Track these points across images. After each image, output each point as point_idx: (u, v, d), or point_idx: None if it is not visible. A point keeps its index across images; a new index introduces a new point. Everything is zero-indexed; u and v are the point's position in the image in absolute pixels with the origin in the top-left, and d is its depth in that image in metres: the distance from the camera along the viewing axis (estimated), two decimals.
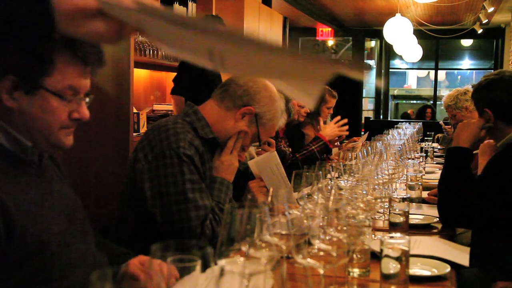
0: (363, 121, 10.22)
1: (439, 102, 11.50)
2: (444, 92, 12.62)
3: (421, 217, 2.27)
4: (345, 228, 1.22)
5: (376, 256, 1.41)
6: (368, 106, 13.43)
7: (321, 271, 1.20)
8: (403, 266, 1.31)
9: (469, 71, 15.25)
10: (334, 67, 0.74)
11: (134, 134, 4.10)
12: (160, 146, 1.90)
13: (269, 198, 1.32)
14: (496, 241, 2.06)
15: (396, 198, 1.84)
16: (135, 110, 4.25)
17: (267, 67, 0.82)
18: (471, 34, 10.78)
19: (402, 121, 7.44)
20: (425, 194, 2.63)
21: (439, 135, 6.18)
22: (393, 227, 1.78)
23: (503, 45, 11.68)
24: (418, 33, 9.23)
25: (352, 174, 2.12)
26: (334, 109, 4.70)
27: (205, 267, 0.87)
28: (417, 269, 1.56)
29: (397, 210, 1.79)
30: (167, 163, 1.87)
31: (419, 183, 2.54)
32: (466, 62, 14.89)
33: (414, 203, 2.46)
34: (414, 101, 15.85)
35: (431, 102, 13.22)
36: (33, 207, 1.29)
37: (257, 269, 1.08)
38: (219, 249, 1.07)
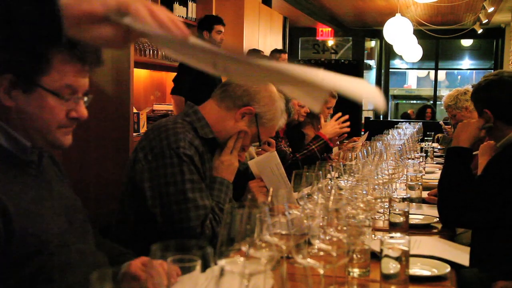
0: (363, 121, 10.23)
1: (439, 102, 11.50)
2: (444, 92, 12.62)
3: (421, 217, 2.27)
4: (345, 228, 1.22)
5: (376, 256, 1.41)
6: (368, 106, 13.43)
7: (321, 271, 1.20)
8: (403, 266, 1.31)
9: (469, 71, 15.26)
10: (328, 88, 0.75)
11: (134, 134, 4.10)
12: (160, 146, 1.90)
13: (269, 198, 1.32)
14: (496, 241, 2.06)
15: (396, 198, 1.83)
16: (135, 110, 4.25)
17: (270, 78, 0.83)
18: (471, 34, 10.79)
19: (402, 121, 7.44)
20: (425, 194, 2.63)
21: (439, 135, 6.18)
22: (393, 227, 1.78)
23: (503, 45, 11.69)
24: (418, 33, 9.23)
25: (352, 174, 2.12)
26: (334, 109, 4.70)
27: (205, 267, 0.87)
28: (417, 269, 1.56)
29: (397, 210, 1.79)
30: (167, 163, 1.87)
31: (419, 183, 2.54)
32: (466, 62, 14.89)
33: (414, 203, 2.46)
34: (414, 101, 15.85)
35: (431, 102, 13.23)
36: (33, 207, 1.29)
37: (257, 269, 1.08)
38: (219, 249, 1.07)
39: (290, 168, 2.58)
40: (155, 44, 1.01)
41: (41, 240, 1.28)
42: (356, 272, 1.45)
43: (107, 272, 0.72)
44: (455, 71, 15.53)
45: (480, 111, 2.31)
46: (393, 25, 7.27)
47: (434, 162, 4.39)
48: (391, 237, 1.37)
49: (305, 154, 3.30)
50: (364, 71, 12.58)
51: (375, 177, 2.07)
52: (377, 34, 11.93)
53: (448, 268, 1.54)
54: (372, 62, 13.57)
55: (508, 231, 2.01)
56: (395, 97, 15.37)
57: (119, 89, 3.96)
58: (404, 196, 2.20)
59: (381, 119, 12.75)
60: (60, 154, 3.87)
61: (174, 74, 4.99)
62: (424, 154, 4.11)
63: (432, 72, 13.58)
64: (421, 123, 6.57)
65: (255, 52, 6.57)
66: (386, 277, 1.32)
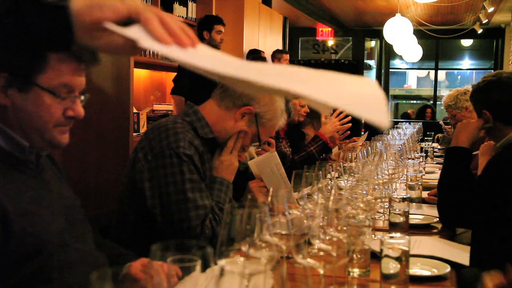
0: (363, 121, 10.22)
1: (439, 102, 11.50)
2: (444, 92, 12.62)
3: (421, 217, 2.27)
4: (345, 228, 1.22)
5: (376, 256, 1.41)
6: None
7: (321, 271, 1.20)
8: (403, 266, 1.31)
9: (469, 71, 15.25)
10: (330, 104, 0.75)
11: (134, 134, 4.10)
12: (159, 146, 1.90)
13: (269, 198, 1.32)
14: (496, 241, 2.06)
15: (396, 198, 1.83)
16: (135, 110, 4.25)
17: (274, 91, 0.83)
18: (471, 34, 10.79)
19: (402, 121, 7.44)
20: (425, 194, 2.63)
21: (439, 135, 6.18)
22: (393, 227, 1.78)
23: (503, 45, 11.69)
24: (418, 33, 9.23)
25: (352, 174, 2.12)
26: (334, 109, 4.70)
27: (205, 267, 0.87)
28: (417, 269, 1.56)
29: (397, 210, 1.79)
30: (166, 162, 1.87)
31: (419, 183, 2.54)
32: (466, 62, 14.89)
33: (414, 203, 2.46)
34: (414, 101, 15.85)
35: (431, 102, 13.23)
36: (31, 207, 1.29)
37: (257, 269, 1.08)
38: (219, 249, 1.07)
39: (289, 170, 2.58)
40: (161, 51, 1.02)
41: (40, 240, 1.28)
42: (356, 272, 1.45)
43: (107, 272, 0.72)
44: (455, 71, 15.53)
45: (479, 112, 2.31)
46: (393, 25, 7.27)
47: (434, 162, 4.39)
48: (391, 237, 1.37)
49: (303, 156, 3.29)
50: (364, 71, 12.58)
51: (375, 177, 2.07)
52: (377, 34, 11.93)
53: (448, 268, 1.54)
54: (372, 62, 13.57)
55: (508, 231, 2.01)
56: (395, 97, 15.37)
57: (119, 89, 3.97)
58: (404, 196, 2.20)
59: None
60: (60, 154, 3.87)
61: (174, 74, 4.99)
62: (424, 154, 4.11)
63: (432, 72, 13.58)
64: (421, 123, 6.57)
65: (255, 52, 6.57)
66: (386, 277, 1.32)
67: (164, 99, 5.40)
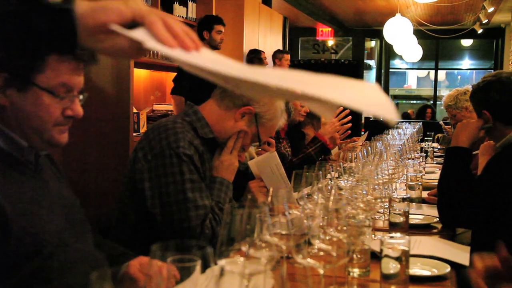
0: (363, 121, 10.22)
1: (439, 102, 11.51)
2: (444, 92, 12.62)
3: (421, 217, 2.27)
4: (345, 228, 1.22)
5: (376, 256, 1.41)
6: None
7: (321, 271, 1.20)
8: (403, 266, 1.31)
9: (469, 71, 15.26)
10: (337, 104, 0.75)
11: (134, 134, 4.10)
12: (159, 146, 1.90)
13: (269, 198, 1.32)
14: (496, 241, 2.05)
15: (396, 198, 1.83)
16: (135, 110, 4.25)
17: (280, 94, 0.83)
18: (471, 34, 10.79)
19: (402, 121, 7.44)
20: (425, 194, 2.63)
21: (439, 135, 6.18)
22: (393, 227, 1.78)
23: (503, 45, 11.69)
24: (418, 33, 9.23)
25: (352, 174, 2.12)
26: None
27: (205, 267, 0.87)
28: (417, 269, 1.56)
29: (397, 210, 1.78)
30: (166, 162, 1.87)
31: (419, 183, 2.54)
32: (466, 62, 14.89)
33: (414, 203, 2.46)
34: (414, 101, 15.85)
35: (431, 102, 13.23)
36: (30, 207, 1.29)
37: (257, 269, 1.08)
38: (219, 249, 1.07)
39: (288, 171, 2.58)
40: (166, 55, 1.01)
41: (39, 240, 1.28)
42: (356, 272, 1.45)
43: (107, 272, 0.72)
44: (455, 71, 15.54)
45: (479, 112, 2.31)
46: (393, 25, 7.27)
47: (434, 162, 4.39)
48: (391, 237, 1.37)
49: (301, 157, 3.28)
50: (364, 71, 12.58)
51: (375, 177, 2.07)
52: (377, 34, 11.93)
53: (448, 268, 1.54)
54: (372, 62, 13.57)
55: (508, 231, 2.01)
56: (395, 97, 15.37)
57: (119, 89, 3.97)
58: (404, 196, 2.20)
59: (381, 119, 12.74)
60: (60, 154, 3.87)
61: (174, 74, 4.99)
62: (424, 154, 4.11)
63: (432, 72, 13.59)
64: (421, 123, 6.57)
65: (256, 52, 6.57)
66: (386, 277, 1.32)
67: (164, 99, 5.39)
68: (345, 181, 2.05)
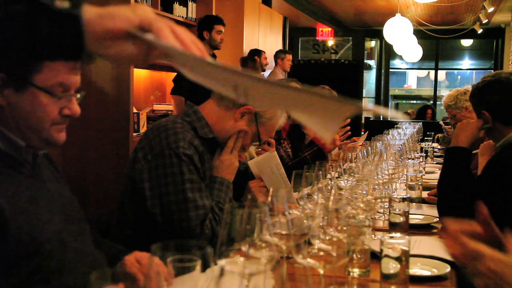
0: (363, 121, 10.22)
1: (439, 102, 11.51)
2: (444, 92, 12.62)
3: (421, 217, 2.27)
4: (345, 228, 1.22)
5: (376, 256, 1.41)
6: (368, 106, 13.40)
7: (321, 271, 1.20)
8: (403, 266, 1.31)
9: (469, 71, 15.25)
10: (354, 107, 0.75)
11: (134, 134, 4.10)
12: (159, 146, 1.90)
13: (269, 198, 1.32)
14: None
15: (396, 198, 1.83)
16: (135, 110, 4.25)
17: (288, 102, 0.84)
18: (471, 34, 10.79)
19: (402, 121, 7.44)
20: (425, 194, 2.63)
21: (439, 135, 6.17)
22: (393, 227, 1.78)
23: (503, 45, 11.69)
24: (418, 33, 9.23)
25: (352, 174, 2.12)
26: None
27: (205, 267, 0.87)
28: (417, 269, 1.56)
29: (397, 210, 1.78)
30: (166, 163, 1.87)
31: (419, 183, 2.54)
32: (466, 62, 14.89)
33: (414, 203, 2.46)
34: (414, 101, 15.85)
35: (431, 102, 13.22)
36: (28, 207, 1.29)
37: (257, 269, 1.08)
38: (219, 249, 1.07)
39: (288, 171, 2.58)
40: (175, 64, 1.00)
41: (37, 240, 1.28)
42: (356, 272, 1.45)
43: (107, 272, 0.72)
44: (455, 71, 15.53)
45: (479, 113, 2.31)
46: (393, 25, 7.27)
47: (434, 162, 4.38)
48: (391, 237, 1.37)
49: (297, 161, 3.27)
50: (364, 71, 12.58)
51: (375, 177, 2.07)
52: (377, 34, 11.93)
53: (448, 268, 1.54)
54: (372, 62, 13.57)
55: (508, 231, 2.01)
56: (395, 97, 15.36)
57: (119, 89, 3.96)
58: (404, 196, 2.20)
59: (381, 119, 12.76)
60: (60, 154, 3.87)
61: (174, 74, 4.99)
62: (424, 154, 4.11)
63: (432, 72, 13.58)
64: (421, 123, 6.56)
65: (256, 52, 6.57)
66: (386, 277, 1.32)
67: (164, 99, 5.39)
68: (345, 181, 2.05)
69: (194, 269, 0.83)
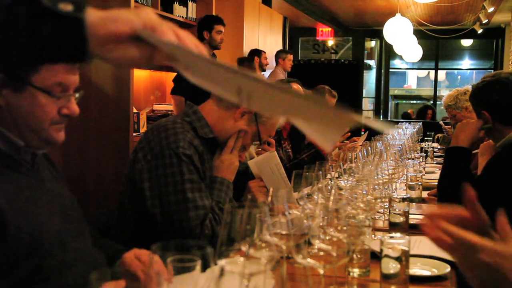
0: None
1: (439, 102, 11.50)
2: (444, 92, 12.62)
3: (421, 217, 2.26)
4: (345, 228, 1.22)
5: (376, 256, 1.41)
6: (368, 106, 13.43)
7: (321, 271, 1.20)
8: (403, 266, 1.31)
9: (469, 71, 15.26)
10: (356, 119, 0.76)
11: (134, 134, 4.09)
12: (159, 146, 1.90)
13: (269, 198, 1.32)
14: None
15: (396, 198, 1.83)
16: (135, 110, 4.25)
17: (291, 109, 0.84)
18: (471, 34, 10.78)
19: (402, 121, 7.44)
20: (425, 194, 2.63)
21: (439, 135, 6.17)
22: (393, 227, 1.78)
23: (503, 45, 11.69)
24: (418, 33, 9.23)
25: (352, 174, 2.12)
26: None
27: (205, 267, 0.87)
28: (417, 269, 1.56)
29: (397, 210, 1.78)
30: (166, 163, 1.87)
31: (419, 183, 2.54)
32: (466, 62, 14.89)
33: (414, 203, 2.46)
34: (414, 101, 15.85)
35: (431, 102, 13.22)
36: (28, 207, 1.30)
37: (257, 269, 1.08)
38: (219, 249, 1.07)
39: (287, 172, 2.58)
40: (178, 67, 1.00)
41: (37, 239, 1.28)
42: (356, 272, 1.45)
43: (107, 272, 0.72)
44: (455, 71, 15.53)
45: (479, 113, 2.31)
46: (393, 25, 7.27)
47: (434, 162, 4.39)
48: (391, 237, 1.37)
49: (295, 163, 3.27)
50: (364, 71, 12.58)
51: (375, 177, 2.07)
52: (377, 34, 11.92)
53: (448, 268, 1.54)
54: (372, 62, 13.57)
55: (501, 214, 2.01)
56: (395, 97, 15.36)
57: (119, 89, 3.96)
58: (404, 196, 2.20)
59: (381, 119, 12.76)
60: (60, 154, 3.87)
61: (174, 74, 4.99)
62: (424, 154, 4.11)
63: (432, 72, 13.58)
64: (421, 123, 6.57)
65: (257, 52, 6.57)
66: (386, 277, 1.32)
67: (164, 99, 5.39)
68: (345, 181, 2.05)
69: (194, 269, 0.83)
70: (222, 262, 1.05)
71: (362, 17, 11.06)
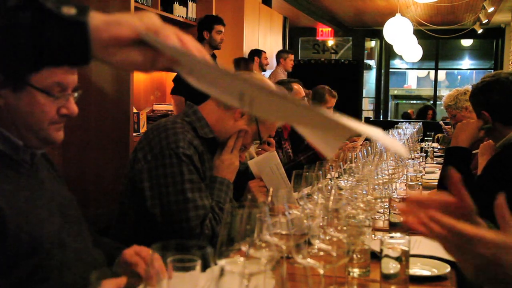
0: (363, 121, 10.23)
1: (439, 102, 11.51)
2: (444, 92, 12.62)
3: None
4: (345, 228, 1.22)
5: (376, 256, 1.41)
6: (368, 106, 13.44)
7: (321, 271, 1.20)
8: (403, 266, 1.31)
9: (469, 71, 15.26)
10: (355, 131, 0.76)
11: (134, 134, 4.09)
12: (159, 146, 1.90)
13: (269, 198, 1.32)
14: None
15: (396, 198, 1.83)
16: (135, 110, 4.25)
17: (293, 115, 0.84)
18: (471, 34, 10.79)
19: (402, 121, 7.44)
20: (425, 194, 2.62)
21: (439, 135, 6.17)
22: (393, 227, 1.78)
23: (503, 45, 11.69)
24: (418, 33, 9.23)
25: (352, 174, 2.12)
26: (334, 109, 4.70)
27: (205, 267, 0.87)
28: (417, 269, 1.56)
29: (397, 210, 1.78)
30: (166, 163, 1.87)
31: (419, 183, 2.54)
32: (466, 62, 14.89)
33: None
34: (414, 101, 15.86)
35: (431, 102, 13.22)
36: (27, 207, 1.30)
37: (257, 269, 1.08)
38: (219, 249, 1.07)
39: (287, 172, 2.57)
40: (181, 71, 1.00)
41: (36, 239, 1.28)
42: (356, 272, 1.45)
43: (107, 272, 0.72)
44: (455, 71, 15.54)
45: (479, 113, 2.31)
46: (393, 25, 7.27)
47: (434, 162, 4.38)
48: (391, 237, 1.37)
49: (291, 166, 3.27)
50: (364, 71, 12.58)
51: (375, 177, 2.07)
52: (377, 34, 11.93)
53: (448, 268, 1.54)
54: (372, 62, 13.57)
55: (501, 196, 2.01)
56: (395, 97, 15.37)
57: (119, 89, 3.96)
58: (404, 196, 2.20)
59: (381, 119, 12.76)
60: (60, 154, 3.87)
61: (174, 74, 4.98)
62: (424, 154, 4.11)
63: (432, 72, 13.59)
64: (421, 123, 6.57)
65: (257, 52, 6.57)
66: (386, 277, 1.32)
67: (164, 99, 5.39)
68: (345, 181, 2.05)
69: (194, 269, 0.83)
70: (222, 262, 1.05)
71: (362, 17, 11.06)
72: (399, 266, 1.30)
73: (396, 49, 8.73)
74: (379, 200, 1.93)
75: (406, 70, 15.22)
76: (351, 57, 12.47)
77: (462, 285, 1.61)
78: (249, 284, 1.07)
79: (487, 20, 9.72)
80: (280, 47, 7.97)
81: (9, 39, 0.78)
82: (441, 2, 8.05)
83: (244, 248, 1.09)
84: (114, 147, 3.96)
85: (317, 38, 12.54)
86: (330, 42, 13.05)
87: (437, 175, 2.59)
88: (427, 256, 1.65)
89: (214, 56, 5.31)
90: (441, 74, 14.67)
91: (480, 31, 10.49)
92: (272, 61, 7.24)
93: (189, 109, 2.06)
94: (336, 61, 11.17)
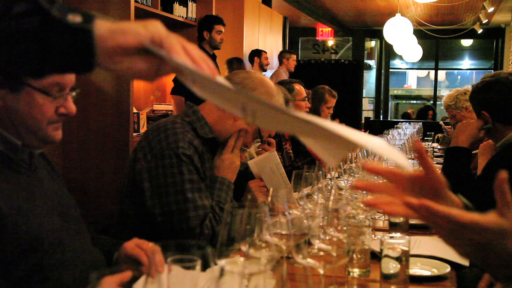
0: (363, 121, 10.23)
1: (439, 102, 11.51)
2: (444, 92, 12.63)
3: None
4: (345, 228, 1.22)
5: (376, 256, 1.41)
6: (368, 106, 13.44)
7: (321, 271, 1.20)
8: (403, 266, 1.31)
9: (469, 71, 15.26)
10: (358, 144, 0.76)
11: (134, 134, 4.09)
12: (159, 146, 1.90)
13: (269, 198, 1.32)
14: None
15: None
16: (135, 110, 4.25)
17: (296, 127, 0.85)
18: (471, 34, 10.79)
19: (402, 121, 7.44)
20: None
21: (439, 135, 6.18)
22: (393, 227, 1.78)
23: (503, 45, 11.69)
24: (418, 33, 9.23)
25: (352, 174, 2.12)
26: (334, 109, 4.70)
27: (205, 267, 0.87)
28: (417, 269, 1.56)
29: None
30: (166, 163, 1.87)
31: None
32: (466, 62, 14.89)
33: None
34: (414, 101, 15.86)
35: (431, 102, 13.22)
36: (25, 206, 1.30)
37: (257, 269, 1.08)
38: (219, 249, 1.07)
39: (286, 172, 2.57)
40: (185, 80, 1.01)
41: (34, 239, 1.29)
42: (356, 272, 1.45)
43: (106, 271, 0.72)
44: (455, 71, 15.54)
45: (479, 113, 2.31)
46: (393, 25, 7.28)
47: (434, 162, 4.38)
48: (391, 237, 1.37)
49: (289, 170, 3.27)
50: (364, 71, 12.59)
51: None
52: (377, 34, 11.93)
53: (448, 268, 1.54)
54: (372, 62, 13.58)
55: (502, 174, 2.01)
56: (395, 97, 15.37)
57: (119, 89, 3.96)
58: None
59: (381, 119, 12.76)
60: (60, 154, 3.87)
61: (174, 74, 4.98)
62: None
63: (432, 72, 13.59)
64: (421, 123, 6.57)
65: (257, 52, 6.56)
66: (386, 277, 1.32)
67: (164, 99, 5.39)
68: (345, 181, 2.05)
69: (194, 269, 0.83)
70: (222, 262, 1.05)
71: (362, 17, 11.07)
72: (399, 266, 1.30)
73: (396, 49, 8.74)
74: None
75: (406, 70, 15.22)
76: (351, 57, 12.47)
77: (462, 285, 1.61)
78: (249, 284, 1.07)
79: (487, 20, 9.72)
80: (280, 47, 7.98)
81: (15, 45, 0.78)
82: (441, 2, 8.05)
83: (244, 248, 1.09)
84: (114, 147, 3.96)
85: (317, 38, 12.54)
86: (330, 42, 13.05)
87: None
88: (427, 256, 1.65)
89: (214, 56, 5.30)
90: (441, 74, 14.67)
91: (480, 31, 10.49)
92: (273, 61, 7.24)
93: (189, 109, 2.06)
94: (336, 61, 11.17)
